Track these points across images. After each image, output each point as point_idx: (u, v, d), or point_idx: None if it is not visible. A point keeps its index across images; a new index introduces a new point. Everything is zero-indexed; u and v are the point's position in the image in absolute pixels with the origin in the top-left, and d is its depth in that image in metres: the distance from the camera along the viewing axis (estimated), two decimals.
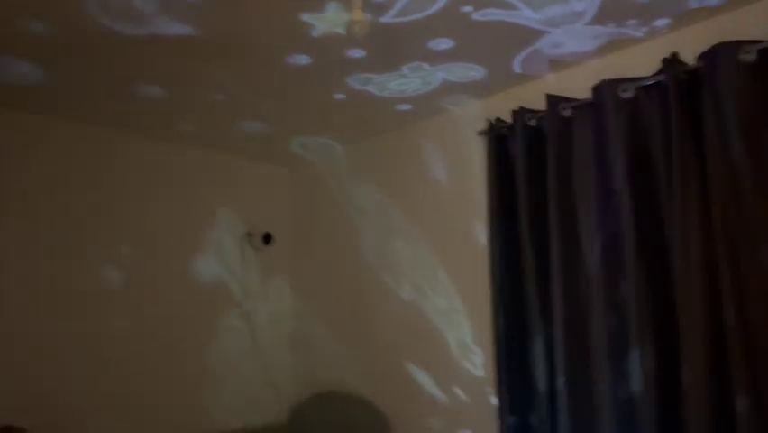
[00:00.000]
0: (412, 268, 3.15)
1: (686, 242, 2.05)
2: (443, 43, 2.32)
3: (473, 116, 2.92)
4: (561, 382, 2.31)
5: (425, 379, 3.09)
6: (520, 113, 2.60)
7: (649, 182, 2.23)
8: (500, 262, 2.61)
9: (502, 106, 2.75)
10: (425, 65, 2.50)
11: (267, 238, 3.64)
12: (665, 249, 2.19)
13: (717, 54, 2.02)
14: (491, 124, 2.72)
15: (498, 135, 2.70)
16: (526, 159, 2.55)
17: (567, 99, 2.48)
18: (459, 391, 2.94)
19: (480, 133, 2.79)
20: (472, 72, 2.58)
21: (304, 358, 3.74)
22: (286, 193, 3.96)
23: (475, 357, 2.89)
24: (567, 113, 2.48)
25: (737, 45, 1.99)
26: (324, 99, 2.84)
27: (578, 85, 2.48)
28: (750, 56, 1.97)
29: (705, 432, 1.94)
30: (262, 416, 3.57)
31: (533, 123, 2.59)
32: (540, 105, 2.56)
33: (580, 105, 2.45)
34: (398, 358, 3.17)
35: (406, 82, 2.66)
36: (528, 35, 2.29)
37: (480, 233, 2.84)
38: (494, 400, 2.75)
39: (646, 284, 2.17)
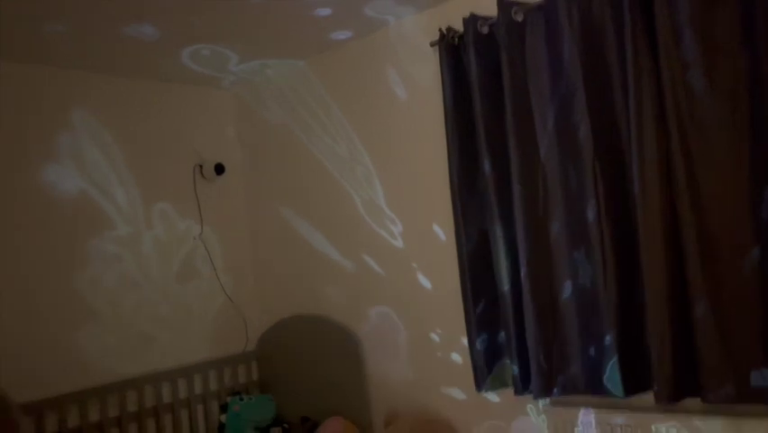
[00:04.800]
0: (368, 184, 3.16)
1: (641, 138, 2.11)
2: None
3: (422, 29, 2.87)
4: (523, 275, 2.41)
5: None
6: (471, 20, 2.57)
7: (603, 81, 2.27)
8: (459, 171, 2.64)
9: (453, 17, 2.70)
10: None
11: (219, 168, 3.55)
12: (621, 147, 2.25)
13: None
14: (443, 33, 2.68)
15: (450, 45, 2.66)
16: (480, 66, 2.54)
17: (519, 3, 2.46)
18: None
19: (433, 44, 2.75)
20: None
21: (265, 285, 3.75)
22: (229, 120, 3.84)
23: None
24: (519, 17, 2.46)
25: None
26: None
27: None
28: None
29: (663, 322, 2.07)
30: (229, 346, 3.59)
31: (485, 30, 2.57)
32: (492, 11, 2.52)
33: (532, 9, 2.43)
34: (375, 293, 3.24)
35: None
36: None
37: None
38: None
39: (603, 183, 2.24)
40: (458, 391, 2.79)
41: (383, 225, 3.09)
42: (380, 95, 3.08)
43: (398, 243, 3.01)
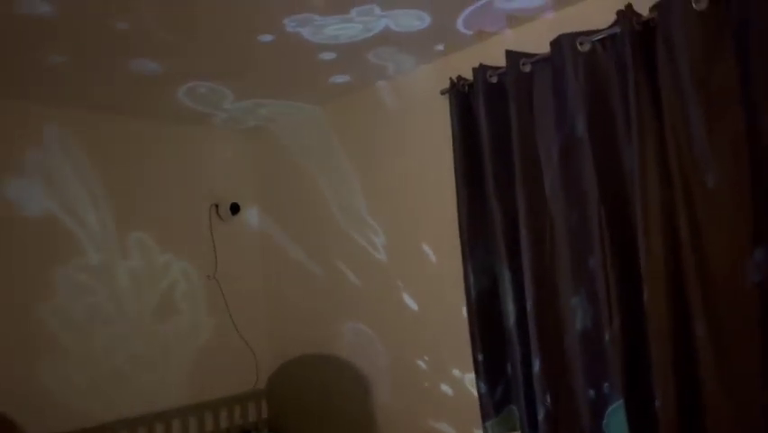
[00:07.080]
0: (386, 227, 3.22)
1: (645, 188, 2.15)
2: None
3: (431, 78, 2.96)
4: (529, 318, 2.44)
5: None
6: (481, 70, 2.65)
7: (608, 131, 2.32)
8: (468, 214, 2.71)
9: (462, 68, 2.79)
10: (377, 9, 2.37)
11: (234, 208, 3.64)
12: (626, 194, 2.29)
13: (670, 3, 2.09)
14: (453, 82, 2.77)
15: (460, 93, 2.74)
16: (489, 114, 2.61)
17: (527, 55, 2.54)
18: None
19: (444, 92, 2.83)
20: (417, 22, 2.53)
21: (276, 323, 3.79)
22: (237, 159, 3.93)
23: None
24: (527, 68, 2.54)
25: None
26: (246, 40, 2.54)
27: (537, 40, 2.53)
28: (701, 4, 2.04)
29: (666, 369, 2.08)
30: (239, 384, 3.62)
31: (494, 79, 2.64)
32: (499, 61, 2.60)
33: (539, 60, 2.51)
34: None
35: (347, 27, 2.51)
36: None
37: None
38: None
39: (608, 228, 2.27)
40: (447, 427, 2.76)
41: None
42: (389, 138, 3.17)
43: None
